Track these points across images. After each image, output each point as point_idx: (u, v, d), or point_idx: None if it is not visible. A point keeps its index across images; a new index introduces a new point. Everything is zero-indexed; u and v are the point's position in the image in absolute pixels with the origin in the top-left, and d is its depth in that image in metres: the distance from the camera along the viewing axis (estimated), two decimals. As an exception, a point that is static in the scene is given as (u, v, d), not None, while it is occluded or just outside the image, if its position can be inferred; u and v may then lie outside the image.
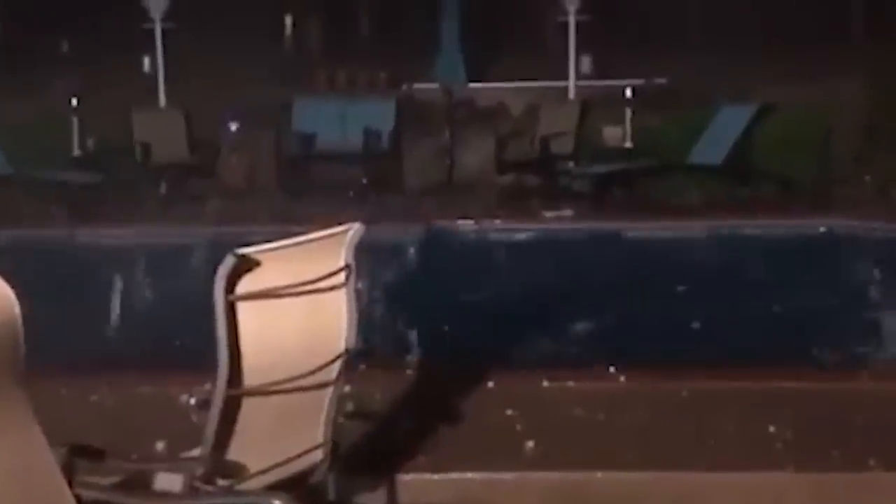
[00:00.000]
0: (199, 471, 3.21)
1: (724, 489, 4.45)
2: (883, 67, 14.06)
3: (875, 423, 4.93)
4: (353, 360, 3.51)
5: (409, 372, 5.66)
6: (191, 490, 3.20)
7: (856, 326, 7.53)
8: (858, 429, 4.88)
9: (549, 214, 11.86)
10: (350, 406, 4.30)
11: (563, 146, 13.32)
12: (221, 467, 3.24)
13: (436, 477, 4.47)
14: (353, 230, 3.46)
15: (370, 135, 13.65)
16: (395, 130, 13.97)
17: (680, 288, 8.56)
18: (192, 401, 4.71)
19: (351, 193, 12.61)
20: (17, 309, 2.47)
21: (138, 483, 3.34)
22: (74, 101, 13.78)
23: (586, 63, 16.40)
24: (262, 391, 3.26)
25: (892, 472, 4.44)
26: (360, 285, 3.51)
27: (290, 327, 3.33)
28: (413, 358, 6.53)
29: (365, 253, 3.49)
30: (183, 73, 15.12)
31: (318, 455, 3.53)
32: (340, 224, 3.44)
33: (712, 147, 12.68)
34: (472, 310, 8.30)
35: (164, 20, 14.89)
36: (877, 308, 7.97)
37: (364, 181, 13.34)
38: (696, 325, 7.60)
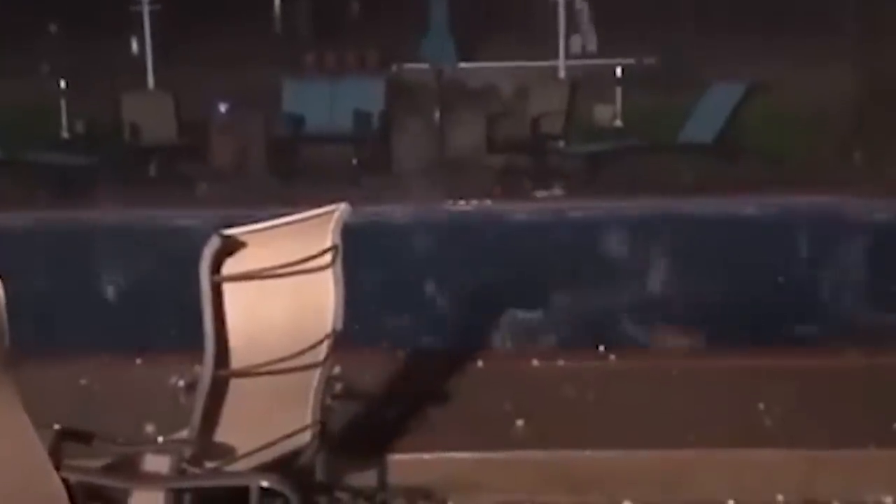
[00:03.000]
0: (187, 453, 3.20)
1: (715, 467, 4.45)
2: (873, 47, 14.03)
3: (866, 400, 4.93)
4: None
5: (398, 352, 5.65)
6: (178, 472, 3.20)
7: (846, 303, 7.54)
8: (849, 406, 4.88)
9: (540, 194, 11.82)
10: (339, 387, 4.29)
11: (554, 126, 13.31)
12: (209, 449, 3.23)
13: (426, 457, 4.46)
14: (339, 210, 3.45)
15: (360, 116, 13.60)
16: (384, 111, 13.93)
17: (669, 266, 8.57)
18: (181, 383, 4.71)
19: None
20: (0, 293, 2.45)
21: (126, 465, 3.34)
22: (63, 84, 13.74)
23: (576, 43, 16.36)
24: (250, 372, 3.25)
25: (883, 448, 4.44)
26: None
27: (278, 308, 3.32)
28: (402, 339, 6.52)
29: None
30: (171, 54, 15.06)
31: (307, 436, 3.52)
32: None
33: (703, 125, 12.66)
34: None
35: (151, 2, 14.84)
36: (867, 285, 7.96)
37: (354, 162, 13.31)
38: (685, 303, 7.61)
